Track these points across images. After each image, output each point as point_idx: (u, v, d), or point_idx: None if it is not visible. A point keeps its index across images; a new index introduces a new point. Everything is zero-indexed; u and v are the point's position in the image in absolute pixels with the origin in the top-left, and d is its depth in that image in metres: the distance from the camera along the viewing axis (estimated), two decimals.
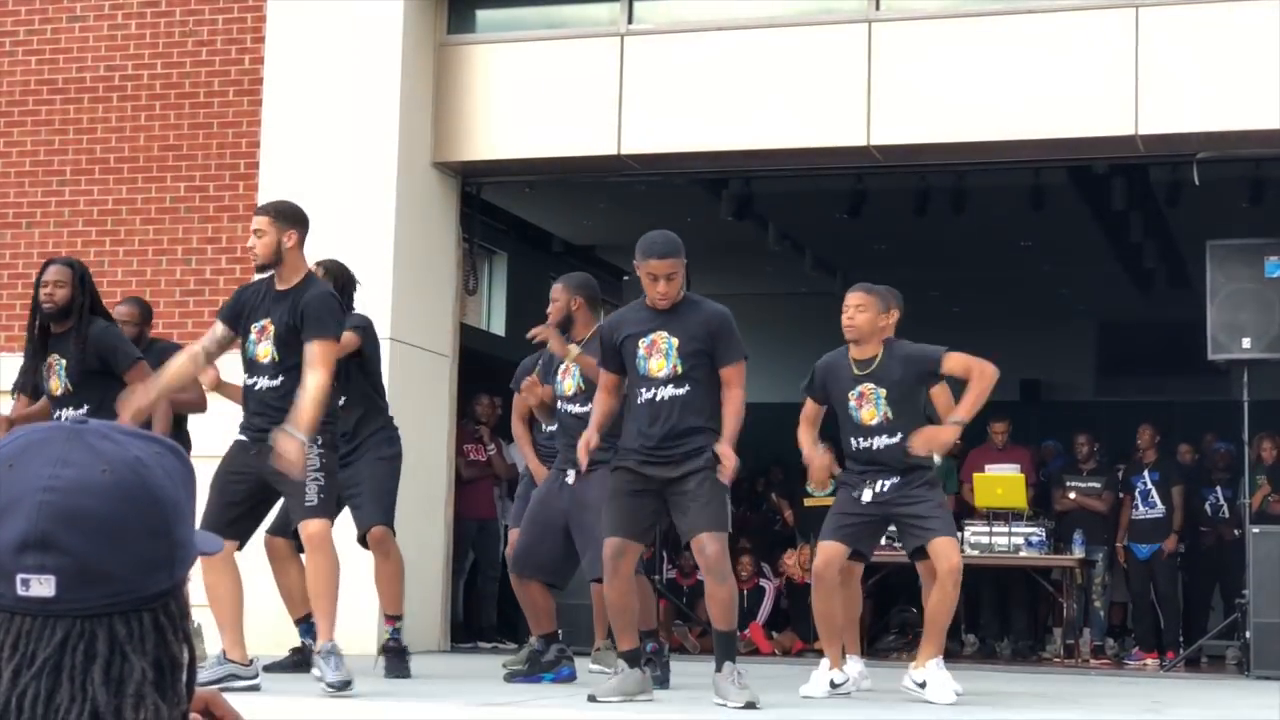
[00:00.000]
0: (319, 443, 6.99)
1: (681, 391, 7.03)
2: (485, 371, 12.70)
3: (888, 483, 7.65)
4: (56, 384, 7.82)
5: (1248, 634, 10.46)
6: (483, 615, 12.73)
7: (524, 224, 15.63)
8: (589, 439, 7.09)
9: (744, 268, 16.61)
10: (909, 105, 10.91)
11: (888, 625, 13.49)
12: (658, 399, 7.03)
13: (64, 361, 7.78)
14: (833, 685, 7.78)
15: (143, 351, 8.23)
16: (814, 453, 7.87)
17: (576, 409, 8.06)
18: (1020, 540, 12.02)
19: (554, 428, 8.46)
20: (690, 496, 6.91)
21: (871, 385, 7.71)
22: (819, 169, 12.13)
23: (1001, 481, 12.19)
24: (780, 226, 15.42)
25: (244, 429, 7.21)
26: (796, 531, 13.74)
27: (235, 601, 7.15)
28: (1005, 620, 13.34)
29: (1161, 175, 12.84)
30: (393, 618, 8.32)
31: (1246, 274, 10.70)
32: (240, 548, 7.21)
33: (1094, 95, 10.61)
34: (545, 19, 11.95)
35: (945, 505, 8.07)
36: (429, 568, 11.12)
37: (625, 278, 13.75)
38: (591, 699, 6.93)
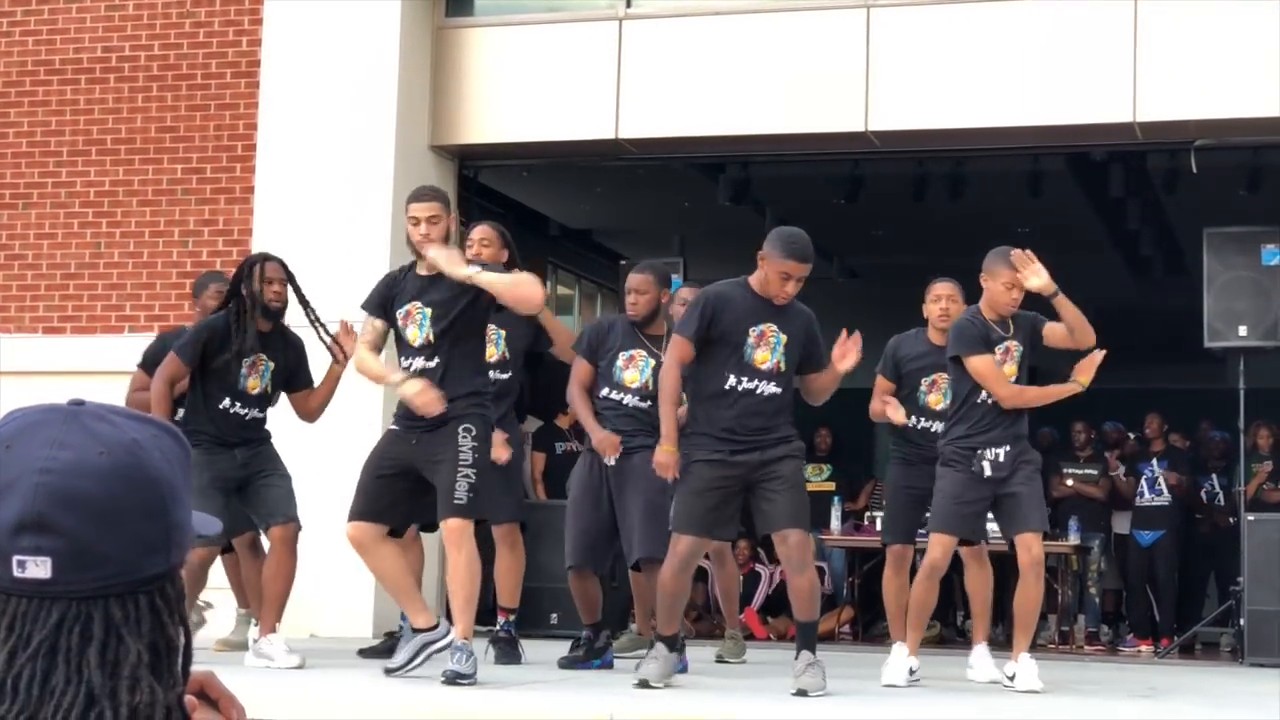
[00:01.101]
0: (473, 434, 6.90)
1: (780, 390, 7.04)
2: None
3: (1002, 451, 7.64)
4: (256, 384, 7.88)
5: (1242, 621, 10.48)
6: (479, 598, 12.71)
7: (521, 208, 15.60)
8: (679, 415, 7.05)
9: (741, 253, 16.52)
10: (907, 91, 10.90)
11: (882, 611, 13.48)
12: (759, 392, 6.99)
13: (271, 364, 7.83)
14: (910, 672, 7.78)
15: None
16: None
17: (636, 401, 8.06)
18: None
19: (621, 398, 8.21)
20: (777, 486, 6.88)
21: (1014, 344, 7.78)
22: (817, 154, 12.12)
23: None
24: (778, 211, 15.38)
25: (399, 419, 7.10)
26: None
27: (399, 575, 7.17)
28: (1000, 606, 13.33)
29: (1159, 162, 12.83)
30: (507, 610, 8.43)
31: (1243, 262, 10.71)
32: (398, 534, 7.34)
33: (1092, 82, 10.61)
34: (544, 2, 11.93)
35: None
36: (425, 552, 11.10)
37: (622, 262, 13.72)
38: (644, 684, 6.88)
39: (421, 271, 7.16)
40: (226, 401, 7.86)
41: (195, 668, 1.54)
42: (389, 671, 7.17)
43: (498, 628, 8.52)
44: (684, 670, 7.80)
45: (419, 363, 7.02)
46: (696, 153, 12.30)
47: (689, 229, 15.37)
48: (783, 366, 7.05)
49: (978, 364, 7.62)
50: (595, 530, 8.07)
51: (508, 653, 8.35)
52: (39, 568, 1.38)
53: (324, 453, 9.60)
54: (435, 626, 7.19)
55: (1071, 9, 10.75)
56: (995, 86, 10.79)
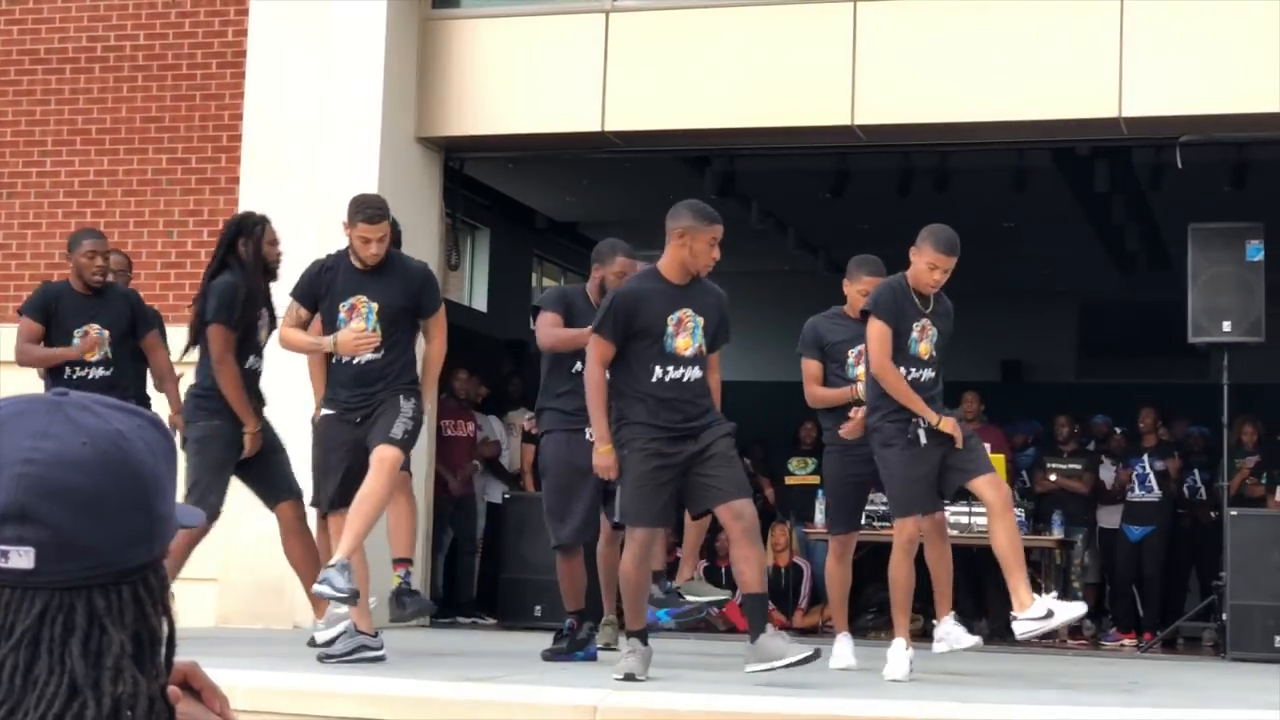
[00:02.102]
0: (413, 401, 7.47)
1: (703, 373, 7.06)
2: (466, 347, 12.68)
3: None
4: (265, 339, 8.25)
5: (1224, 616, 10.51)
6: (461, 590, 12.74)
7: (507, 200, 15.61)
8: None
9: (726, 246, 16.51)
10: (893, 85, 10.91)
11: (866, 603, 13.51)
12: (685, 379, 7.00)
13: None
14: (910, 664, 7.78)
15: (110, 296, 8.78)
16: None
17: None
18: None
19: (566, 389, 8.19)
20: (716, 463, 6.90)
21: (928, 323, 7.74)
22: (803, 148, 12.12)
23: None
24: (763, 205, 15.42)
25: (334, 404, 7.50)
26: (776, 509, 13.74)
27: (363, 571, 7.42)
28: (982, 600, 13.36)
29: (1144, 158, 12.86)
30: (406, 561, 8.40)
31: (1228, 257, 10.73)
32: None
33: (1078, 77, 10.62)
34: None
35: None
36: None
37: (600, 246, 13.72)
38: (630, 678, 6.88)
39: (357, 265, 7.50)
40: (252, 359, 8.18)
41: (179, 658, 1.54)
42: (323, 657, 7.43)
43: (401, 581, 8.34)
44: (594, 657, 8.10)
45: (366, 354, 7.44)
46: (683, 145, 12.31)
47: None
48: (704, 350, 7.08)
49: (874, 329, 7.59)
50: (586, 506, 8.06)
51: (418, 600, 8.17)
52: (22, 558, 1.38)
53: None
54: (376, 635, 7.50)
55: (1057, 4, 10.77)
56: (981, 81, 10.80)
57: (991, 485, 7.63)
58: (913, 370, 7.63)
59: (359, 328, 7.43)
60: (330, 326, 7.53)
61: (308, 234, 10.56)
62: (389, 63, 11.13)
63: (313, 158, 10.97)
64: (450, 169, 12.03)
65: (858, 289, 8.34)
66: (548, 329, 8.12)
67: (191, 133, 11.44)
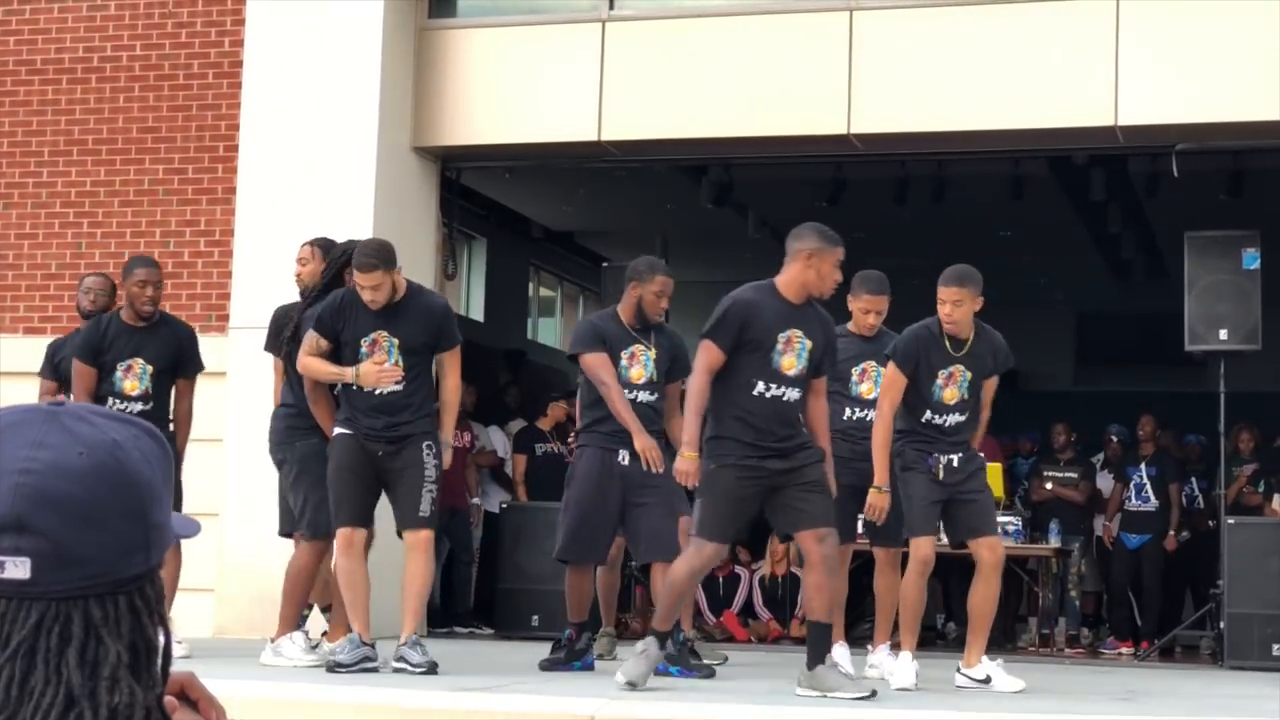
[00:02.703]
0: (434, 451, 7.71)
1: (802, 396, 7.06)
2: (463, 356, 12.67)
3: (955, 457, 7.75)
4: (384, 359, 8.10)
5: (1221, 624, 10.50)
6: (459, 600, 12.74)
7: (503, 209, 15.62)
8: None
9: (723, 255, 16.60)
10: (890, 94, 10.91)
11: (862, 614, 13.51)
12: (785, 398, 6.99)
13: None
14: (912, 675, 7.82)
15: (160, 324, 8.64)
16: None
17: (645, 396, 8.08)
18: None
19: (606, 413, 8.24)
20: (808, 489, 6.91)
21: (962, 368, 7.80)
22: (799, 157, 12.13)
23: None
24: (760, 214, 15.42)
25: (354, 426, 7.66)
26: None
27: (366, 584, 7.68)
28: (949, 605, 13.36)
29: (1141, 166, 12.87)
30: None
31: (1224, 266, 10.74)
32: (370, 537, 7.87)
33: (1074, 86, 10.63)
34: (527, 4, 11.93)
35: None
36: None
37: (605, 264, 13.72)
38: (631, 686, 6.89)
39: (372, 306, 7.70)
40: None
41: (175, 668, 1.54)
42: (332, 666, 7.57)
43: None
44: (590, 667, 8.17)
45: (389, 386, 7.66)
46: (679, 155, 12.31)
47: (672, 231, 15.37)
48: (805, 372, 7.06)
49: (888, 375, 7.80)
50: (602, 525, 8.08)
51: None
52: (18, 569, 1.38)
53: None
54: (373, 645, 7.68)
55: (1053, 13, 10.78)
56: (977, 90, 10.81)
57: (989, 548, 7.78)
58: (936, 416, 7.73)
59: (380, 360, 7.63)
60: (352, 359, 7.69)
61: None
62: (385, 72, 11.13)
63: (310, 168, 10.97)
64: (447, 178, 12.04)
65: (858, 306, 8.45)
66: (602, 372, 8.08)
67: (188, 143, 11.43)
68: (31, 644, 1.37)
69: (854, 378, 8.31)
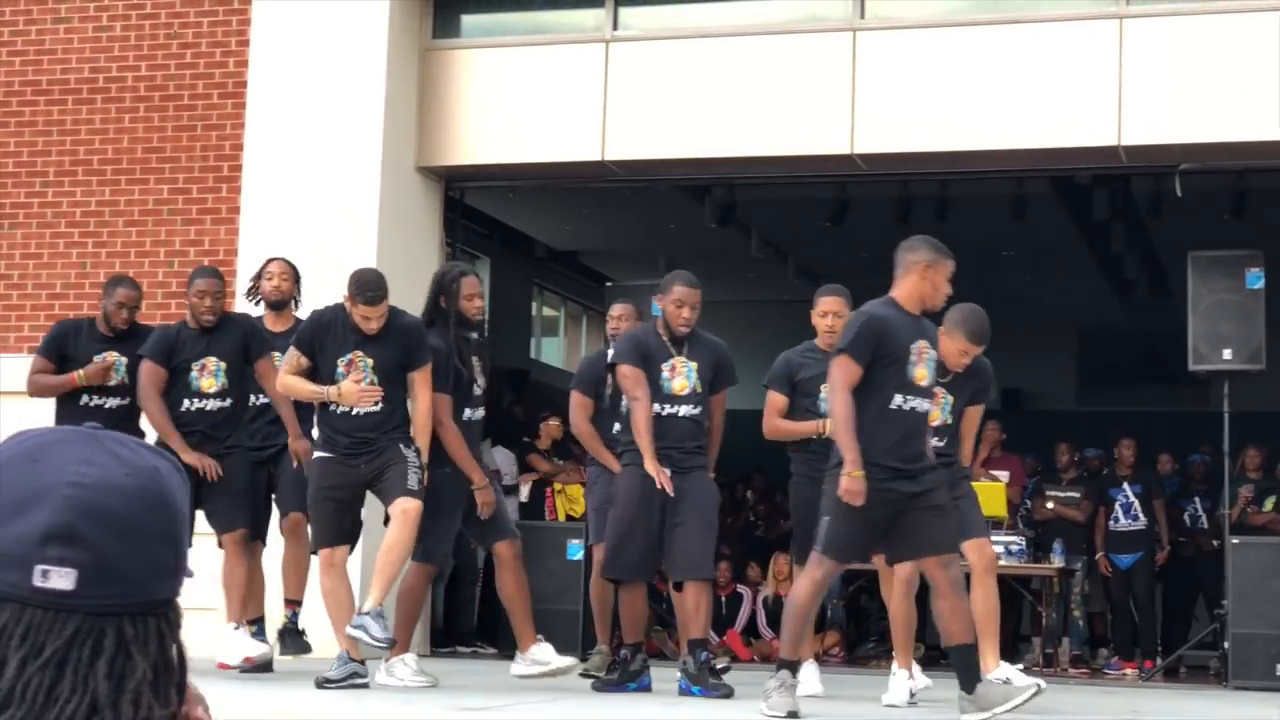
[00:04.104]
0: (413, 447, 7.86)
1: (928, 408, 7.08)
2: None
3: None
4: (478, 386, 8.31)
5: (1226, 644, 10.48)
6: (462, 619, 12.72)
7: (507, 229, 15.63)
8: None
9: (727, 275, 16.63)
10: (893, 114, 10.93)
11: (867, 633, 13.50)
12: (918, 410, 6.97)
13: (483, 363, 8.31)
14: (910, 694, 7.83)
15: (131, 336, 8.75)
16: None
17: (687, 409, 8.03)
18: (1000, 549, 12.01)
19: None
20: (936, 512, 6.89)
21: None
22: (803, 177, 12.14)
23: (981, 490, 12.18)
24: (763, 234, 15.45)
25: (334, 447, 7.82)
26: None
27: (352, 606, 7.76)
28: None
29: (1144, 186, 12.88)
30: (295, 602, 8.81)
31: (1227, 285, 10.73)
32: (350, 551, 7.95)
33: (1077, 106, 10.65)
34: (531, 24, 11.96)
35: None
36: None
37: (608, 284, 13.74)
38: (793, 716, 6.82)
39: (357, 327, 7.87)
40: (466, 411, 8.23)
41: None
42: (320, 682, 7.63)
43: (286, 619, 8.79)
44: (647, 688, 8.10)
45: (368, 406, 7.79)
46: (683, 175, 12.33)
47: (675, 250, 15.40)
48: (932, 384, 7.08)
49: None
50: (646, 542, 8.02)
51: (296, 643, 8.70)
52: (63, 579, 1.40)
53: None
54: (363, 662, 7.77)
55: (1057, 33, 10.80)
56: (980, 110, 10.82)
57: (979, 550, 7.79)
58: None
59: (358, 379, 7.77)
60: (329, 378, 7.81)
61: (308, 265, 10.58)
62: (389, 92, 11.16)
63: (314, 188, 10.99)
64: (450, 198, 12.05)
65: (815, 312, 8.46)
66: (636, 388, 8.04)
67: (193, 163, 11.46)
68: (64, 655, 1.39)
69: (821, 394, 8.22)
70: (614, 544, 8.11)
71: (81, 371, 8.68)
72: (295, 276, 9.09)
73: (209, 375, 8.42)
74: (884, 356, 6.88)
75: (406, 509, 7.65)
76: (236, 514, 8.38)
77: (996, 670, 7.70)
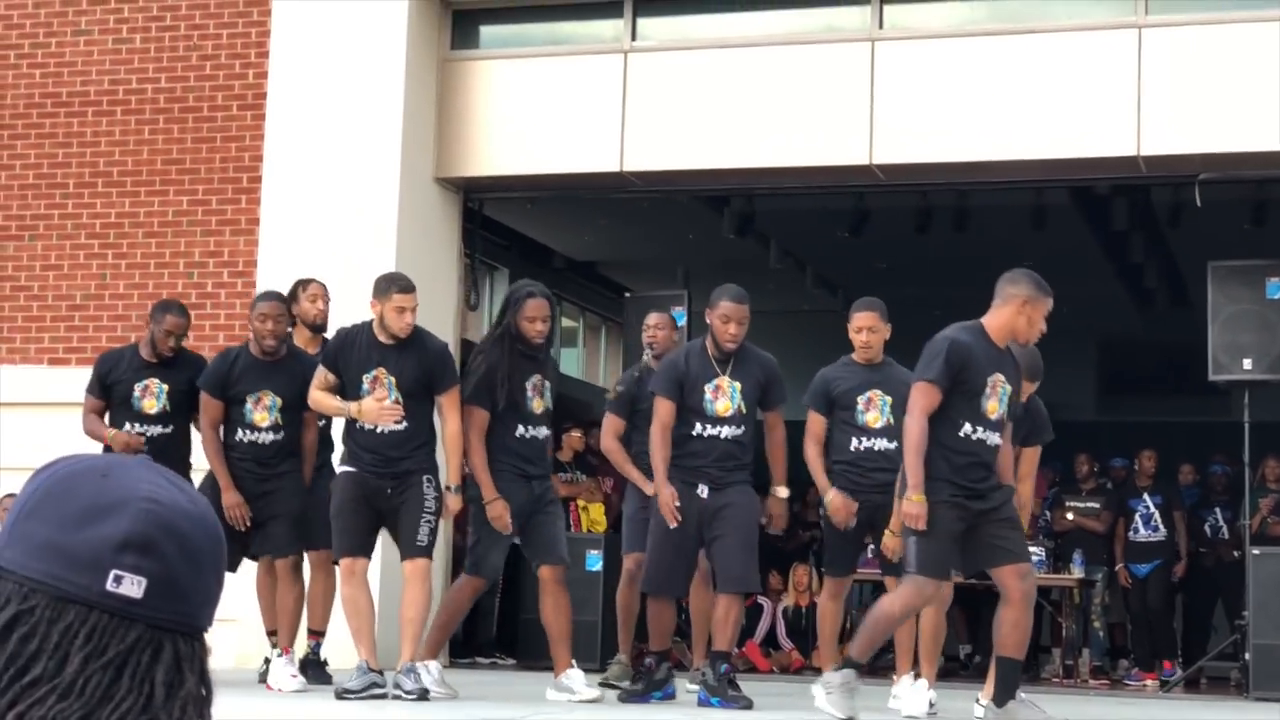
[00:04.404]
0: (433, 484, 7.93)
1: (999, 440, 7.04)
2: None
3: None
4: (540, 404, 8.23)
5: (1247, 655, 10.44)
6: (481, 630, 12.72)
7: (525, 240, 15.64)
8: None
9: (745, 285, 16.51)
10: (911, 124, 10.92)
11: (887, 644, 13.45)
12: (988, 442, 6.97)
13: (549, 384, 8.25)
14: (930, 704, 7.82)
15: (175, 363, 8.71)
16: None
17: (729, 430, 7.97)
18: None
19: (680, 450, 8.37)
20: (1005, 525, 6.93)
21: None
22: (821, 187, 12.13)
23: None
24: (782, 244, 15.43)
25: (360, 464, 7.89)
26: (811, 552, 13.69)
27: (371, 616, 7.88)
28: (975, 635, 13.30)
29: (1163, 196, 12.84)
30: (319, 633, 8.81)
31: (1248, 295, 10.70)
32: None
33: (1096, 116, 10.63)
34: (549, 35, 11.97)
35: None
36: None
37: (627, 294, 13.74)
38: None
39: (381, 339, 7.89)
40: (521, 429, 8.16)
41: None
42: (340, 693, 7.70)
43: (309, 650, 8.79)
44: (672, 696, 8.13)
45: (390, 424, 7.84)
46: (701, 185, 12.32)
47: (693, 261, 15.39)
48: (1005, 417, 7.07)
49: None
50: (682, 558, 8.04)
51: (319, 675, 8.63)
52: (133, 586, 1.43)
53: None
54: (381, 673, 7.82)
55: (1076, 42, 10.78)
56: (999, 120, 10.81)
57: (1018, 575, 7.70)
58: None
59: (381, 397, 7.80)
60: (353, 395, 7.86)
61: (328, 276, 10.60)
62: (408, 104, 11.17)
63: (332, 199, 11.01)
64: (469, 209, 12.06)
65: (851, 326, 8.43)
66: (661, 419, 8.06)
67: (212, 174, 11.49)
68: (125, 658, 1.42)
69: (859, 406, 8.23)
70: (650, 560, 8.16)
71: (113, 433, 8.60)
72: (327, 298, 9.07)
73: (263, 409, 8.40)
74: (962, 384, 6.92)
75: (416, 569, 7.78)
76: (289, 539, 8.39)
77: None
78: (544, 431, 8.27)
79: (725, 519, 7.87)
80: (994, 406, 6.95)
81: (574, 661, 8.21)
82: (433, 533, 7.85)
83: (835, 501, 8.03)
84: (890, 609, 7.02)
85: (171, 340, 8.70)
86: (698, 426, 7.95)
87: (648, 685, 8.16)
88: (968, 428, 6.89)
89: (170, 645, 1.44)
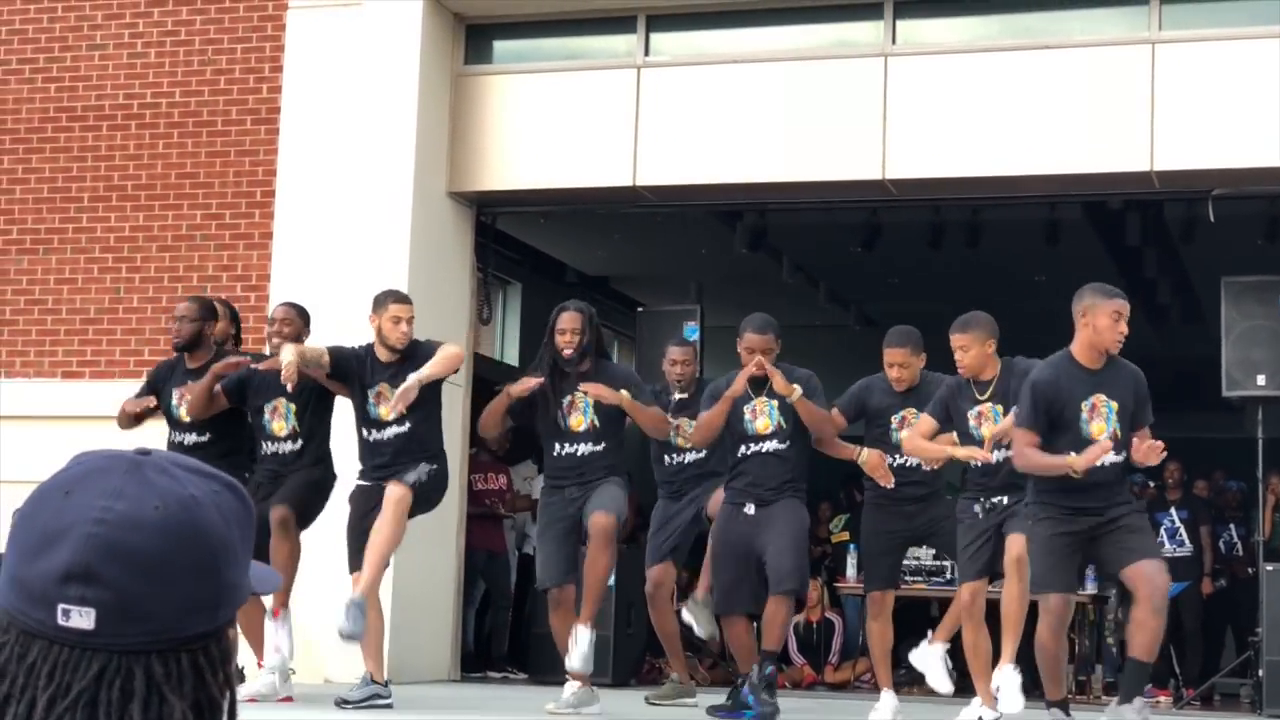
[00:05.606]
0: (430, 467, 8.07)
1: (1121, 457, 7.06)
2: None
3: (1005, 498, 7.69)
4: (580, 421, 8.27)
5: (1260, 672, 10.41)
6: (493, 645, 12.72)
7: (538, 254, 15.64)
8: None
9: (758, 300, 16.55)
10: (924, 139, 10.92)
11: (898, 661, 13.42)
12: (1101, 464, 6.94)
13: (589, 402, 8.24)
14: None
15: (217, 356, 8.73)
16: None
17: (773, 445, 8.06)
18: None
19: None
20: (1128, 530, 6.97)
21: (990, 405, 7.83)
22: (834, 202, 12.13)
23: None
24: (795, 259, 15.42)
25: (366, 474, 8.12)
26: (823, 566, 13.67)
27: (379, 629, 7.95)
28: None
29: (1177, 211, 12.81)
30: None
31: (1261, 311, 10.68)
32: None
33: (1110, 131, 10.62)
34: (562, 50, 11.98)
35: None
36: (440, 597, 11.10)
37: (639, 309, 13.73)
38: None
39: (382, 358, 8.13)
40: (559, 446, 8.28)
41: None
42: (340, 702, 7.79)
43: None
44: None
45: (392, 430, 8.07)
46: (714, 200, 12.32)
47: (706, 276, 15.38)
48: (1119, 434, 7.04)
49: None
50: (740, 575, 8.09)
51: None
52: (83, 618, 1.38)
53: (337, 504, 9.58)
54: (386, 684, 7.93)
55: (1089, 58, 10.78)
56: (1012, 135, 10.80)
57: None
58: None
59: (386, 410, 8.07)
60: (360, 411, 8.13)
61: (340, 290, 10.62)
62: (421, 118, 11.19)
63: (346, 213, 11.03)
64: (482, 223, 12.08)
65: (884, 360, 8.45)
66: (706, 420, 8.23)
67: (226, 188, 11.51)
68: (93, 695, 1.37)
69: (893, 424, 8.30)
70: (715, 583, 8.30)
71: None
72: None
73: (279, 418, 8.46)
74: (1054, 419, 6.96)
75: (391, 494, 7.84)
76: (285, 495, 8.34)
77: (999, 673, 7.68)
78: (585, 448, 8.26)
79: (773, 527, 7.95)
80: (1100, 427, 6.98)
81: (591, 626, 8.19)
82: (420, 482, 7.93)
83: (872, 459, 8.03)
84: (1043, 640, 7.06)
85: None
86: (741, 448, 8.10)
87: (735, 704, 8.23)
88: (1073, 455, 6.90)
89: (142, 672, 1.38)
